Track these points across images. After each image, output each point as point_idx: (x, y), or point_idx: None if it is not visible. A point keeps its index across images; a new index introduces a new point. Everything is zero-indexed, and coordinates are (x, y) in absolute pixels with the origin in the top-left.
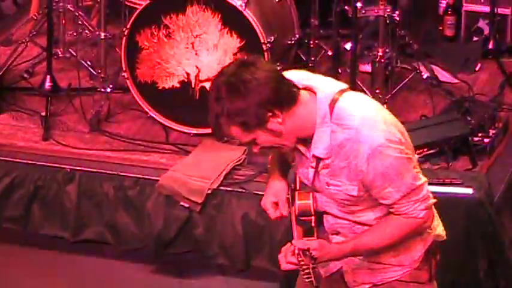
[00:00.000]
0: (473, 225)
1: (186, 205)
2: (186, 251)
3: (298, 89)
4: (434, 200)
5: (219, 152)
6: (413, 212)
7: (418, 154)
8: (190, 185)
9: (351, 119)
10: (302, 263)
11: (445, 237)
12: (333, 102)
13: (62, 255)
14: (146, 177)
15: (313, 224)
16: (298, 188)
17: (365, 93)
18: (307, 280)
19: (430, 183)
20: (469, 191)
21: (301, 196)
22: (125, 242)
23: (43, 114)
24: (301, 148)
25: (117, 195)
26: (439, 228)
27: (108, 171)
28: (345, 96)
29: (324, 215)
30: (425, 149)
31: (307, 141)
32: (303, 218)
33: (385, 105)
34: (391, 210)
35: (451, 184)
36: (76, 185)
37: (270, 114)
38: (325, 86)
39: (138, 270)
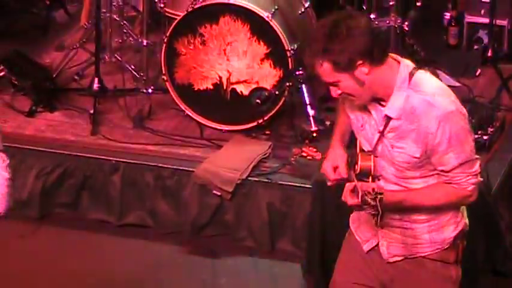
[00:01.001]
0: (473, 213)
1: (218, 193)
2: (218, 235)
3: (388, 54)
4: (482, 179)
5: (248, 147)
6: (464, 184)
7: None
8: (221, 175)
9: (427, 86)
10: (366, 199)
11: (466, 228)
12: (412, 72)
13: (107, 238)
14: (183, 168)
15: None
16: (358, 152)
17: None
18: (372, 213)
19: None
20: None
21: (363, 158)
22: (163, 226)
23: (91, 112)
24: (373, 110)
25: (157, 184)
26: (466, 219)
27: (149, 163)
28: (422, 71)
29: (377, 180)
30: None
31: (380, 103)
32: (362, 178)
33: None
34: (445, 179)
35: None
36: (120, 175)
37: (360, 62)
38: (407, 61)
39: (175, 251)
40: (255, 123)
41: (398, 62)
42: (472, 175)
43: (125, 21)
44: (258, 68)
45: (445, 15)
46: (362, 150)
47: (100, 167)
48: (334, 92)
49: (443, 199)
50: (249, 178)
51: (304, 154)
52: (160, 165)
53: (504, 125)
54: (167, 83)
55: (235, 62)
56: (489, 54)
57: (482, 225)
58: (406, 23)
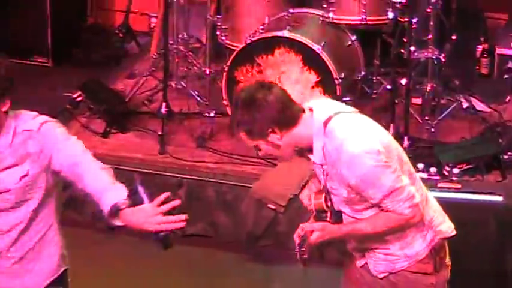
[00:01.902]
0: (502, 227)
1: (273, 207)
2: (272, 245)
3: (303, 111)
4: (419, 199)
5: (300, 165)
6: (399, 210)
7: (458, 169)
8: (276, 191)
9: (339, 132)
10: (298, 242)
11: (451, 234)
12: (327, 121)
13: (173, 247)
14: (241, 184)
15: (328, 219)
16: (318, 190)
17: (417, 120)
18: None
19: (467, 192)
20: (500, 198)
21: (316, 197)
22: (223, 236)
23: (160, 133)
24: (310, 157)
25: (217, 198)
26: (442, 226)
27: (210, 179)
28: (338, 116)
29: (342, 214)
30: (464, 165)
31: (311, 150)
32: (321, 214)
33: (432, 130)
34: (380, 207)
35: (484, 193)
36: (185, 190)
37: (270, 130)
38: (327, 108)
39: (233, 259)
40: None
41: (315, 114)
42: (403, 201)
43: (190, 52)
44: (310, 94)
45: (478, 47)
46: (319, 190)
47: (166, 183)
48: (260, 153)
49: (386, 226)
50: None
51: None
52: (220, 181)
53: None
54: (227, 108)
55: (289, 89)
56: None
57: (510, 238)
58: (443, 55)
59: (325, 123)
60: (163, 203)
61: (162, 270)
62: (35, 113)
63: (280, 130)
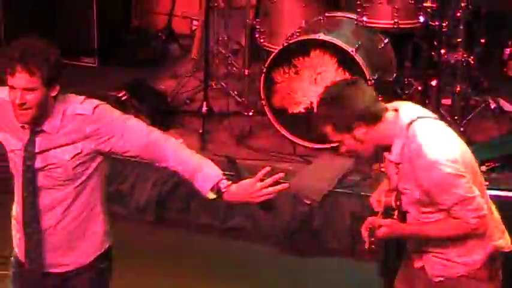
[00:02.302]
0: None
1: (308, 202)
2: (307, 238)
3: (387, 110)
4: (486, 212)
5: (334, 162)
6: (466, 219)
7: (486, 167)
8: (311, 187)
9: (421, 137)
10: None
11: (508, 249)
12: (411, 123)
13: (213, 239)
14: (278, 180)
15: (395, 217)
16: (389, 189)
17: (446, 119)
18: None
19: (494, 189)
20: None
21: (387, 195)
22: (260, 230)
23: (200, 131)
24: (387, 155)
25: None
26: (501, 241)
27: (248, 175)
28: (421, 121)
29: (407, 214)
30: (491, 163)
31: (389, 149)
32: (389, 212)
33: (461, 129)
34: (449, 213)
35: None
36: None
37: (356, 124)
38: (411, 111)
39: (270, 251)
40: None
41: (400, 115)
42: (472, 211)
43: (229, 54)
44: None
45: (506, 50)
46: (390, 189)
47: None
48: (341, 149)
49: (451, 232)
50: (335, 189)
51: (382, 169)
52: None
53: None
54: (265, 107)
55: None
56: None
57: None
58: (472, 57)
59: (409, 125)
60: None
61: (201, 260)
62: (82, 97)
63: (366, 125)
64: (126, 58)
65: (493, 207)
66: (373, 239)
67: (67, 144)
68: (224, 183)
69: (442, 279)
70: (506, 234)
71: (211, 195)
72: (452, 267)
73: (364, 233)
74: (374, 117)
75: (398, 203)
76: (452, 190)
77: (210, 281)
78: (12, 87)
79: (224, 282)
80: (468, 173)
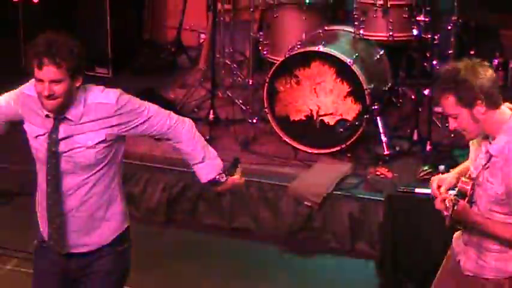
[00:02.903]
0: None
1: (309, 204)
2: (308, 237)
3: (503, 102)
4: None
5: (333, 167)
6: None
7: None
8: (312, 189)
9: None
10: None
11: None
12: None
13: (219, 239)
14: (280, 183)
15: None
16: (469, 176)
17: (438, 127)
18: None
19: None
20: None
21: (464, 182)
22: (264, 230)
23: (207, 137)
24: (483, 146)
25: (259, 196)
26: None
27: (253, 179)
28: None
29: (473, 205)
30: None
31: (489, 140)
32: (461, 197)
33: (452, 135)
34: None
35: None
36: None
37: (479, 101)
38: None
39: (273, 250)
40: (338, 148)
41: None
42: None
43: (234, 65)
44: (342, 103)
45: (494, 61)
46: (469, 177)
47: None
48: (452, 124)
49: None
50: (334, 192)
51: (378, 173)
52: (262, 180)
53: None
54: (268, 115)
55: (323, 98)
56: None
57: None
58: None
59: None
60: None
61: (208, 259)
62: (101, 87)
63: (486, 106)
64: (138, 68)
65: None
66: (455, 210)
67: (90, 131)
68: (223, 176)
69: (470, 274)
70: None
71: (208, 183)
72: (484, 268)
73: (447, 203)
74: (495, 102)
75: (471, 192)
76: None
77: (216, 277)
78: (39, 80)
79: (230, 279)
80: None
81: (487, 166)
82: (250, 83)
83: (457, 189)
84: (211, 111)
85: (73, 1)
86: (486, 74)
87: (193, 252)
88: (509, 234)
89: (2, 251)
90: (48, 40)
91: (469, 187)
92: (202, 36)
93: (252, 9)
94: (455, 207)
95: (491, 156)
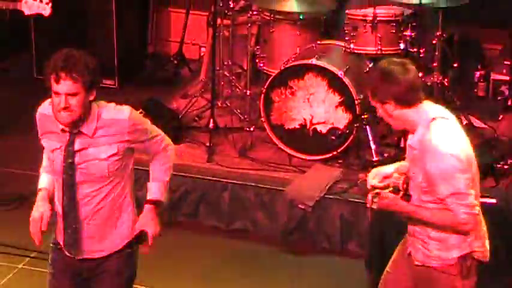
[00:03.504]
0: (496, 225)
1: (302, 207)
2: (301, 238)
3: (421, 101)
4: (477, 211)
5: (325, 172)
6: (458, 212)
7: None
8: (305, 193)
9: (438, 131)
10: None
11: (484, 260)
12: (435, 118)
13: (219, 239)
14: (276, 188)
15: (400, 198)
16: (403, 173)
17: None
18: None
19: None
20: (494, 201)
21: (396, 177)
22: (260, 231)
23: (207, 144)
24: (409, 139)
25: (256, 199)
26: (481, 250)
27: (250, 183)
28: (444, 120)
29: (410, 198)
30: None
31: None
32: (395, 193)
33: None
34: (444, 204)
35: (481, 196)
36: (229, 193)
37: (388, 101)
38: (440, 110)
39: (269, 250)
40: (330, 155)
41: (428, 109)
42: (464, 206)
43: (233, 77)
44: (334, 113)
45: (476, 73)
46: (402, 172)
47: (213, 186)
48: (378, 113)
49: (441, 221)
50: (326, 196)
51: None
52: (259, 185)
53: None
54: (264, 123)
55: (316, 108)
56: (509, 103)
57: (503, 235)
58: (446, 80)
59: (433, 119)
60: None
61: (209, 259)
62: (113, 104)
63: (396, 105)
64: (142, 80)
65: (482, 220)
66: (375, 202)
67: (103, 145)
68: (160, 208)
69: (419, 264)
70: (486, 247)
71: (151, 201)
72: (430, 257)
73: (369, 196)
74: (405, 102)
75: (405, 186)
76: (451, 181)
77: (216, 276)
78: (56, 93)
79: (228, 278)
80: (470, 173)
81: (411, 159)
82: (248, 94)
83: (391, 184)
84: (211, 120)
85: (82, 16)
86: (400, 79)
87: (194, 252)
88: (435, 219)
89: (15, 251)
90: (66, 55)
91: (400, 182)
92: (203, 49)
93: (249, 25)
94: (375, 200)
95: (412, 149)
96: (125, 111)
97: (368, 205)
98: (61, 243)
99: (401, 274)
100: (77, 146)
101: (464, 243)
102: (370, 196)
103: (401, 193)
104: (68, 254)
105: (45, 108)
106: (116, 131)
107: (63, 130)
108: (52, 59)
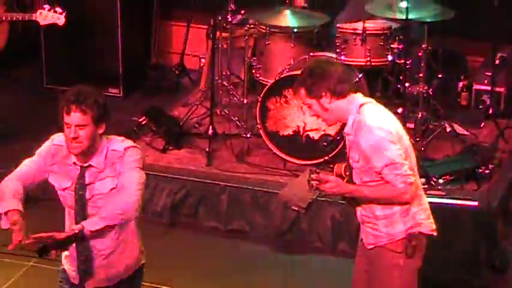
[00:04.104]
0: (478, 226)
1: (296, 208)
2: (295, 238)
3: (354, 92)
4: (413, 179)
5: None
6: (395, 182)
7: (443, 179)
8: (298, 195)
9: (367, 113)
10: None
11: (429, 232)
12: (363, 103)
13: (217, 239)
14: (271, 190)
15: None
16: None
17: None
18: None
19: (449, 198)
20: (475, 203)
21: (338, 165)
22: (256, 231)
23: (207, 150)
24: (344, 130)
25: (252, 201)
26: (424, 222)
27: (247, 187)
28: (372, 104)
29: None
30: (447, 176)
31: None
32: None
33: (422, 148)
34: (381, 177)
35: (464, 199)
36: (227, 195)
37: (324, 94)
38: (367, 99)
39: (263, 248)
40: (322, 160)
41: (357, 97)
42: (400, 175)
43: (231, 86)
44: None
45: (459, 84)
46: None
47: (212, 189)
48: (310, 113)
49: (381, 193)
50: (318, 198)
51: None
52: (255, 188)
53: (500, 162)
54: (260, 130)
55: (308, 116)
56: (490, 112)
57: (484, 234)
58: (431, 89)
59: (361, 105)
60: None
61: (209, 258)
62: (122, 138)
63: (331, 96)
64: (146, 89)
65: (424, 196)
66: (316, 190)
67: (107, 177)
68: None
69: (371, 246)
70: (431, 220)
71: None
72: (379, 237)
73: (312, 183)
74: (339, 93)
75: (347, 173)
76: (383, 152)
77: (214, 273)
78: (67, 124)
79: (226, 275)
80: (401, 146)
81: (349, 146)
82: (245, 102)
83: (334, 171)
84: (210, 127)
85: (90, 29)
86: (331, 71)
87: (194, 251)
88: (376, 193)
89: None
90: (78, 90)
91: (342, 170)
92: (203, 60)
93: (246, 37)
94: (313, 187)
95: (348, 135)
96: (124, 144)
97: (309, 187)
98: (67, 271)
99: (360, 263)
100: (87, 180)
101: (408, 216)
102: (312, 182)
103: (345, 179)
104: (74, 283)
105: (60, 140)
106: (114, 161)
107: (75, 163)
108: (66, 94)
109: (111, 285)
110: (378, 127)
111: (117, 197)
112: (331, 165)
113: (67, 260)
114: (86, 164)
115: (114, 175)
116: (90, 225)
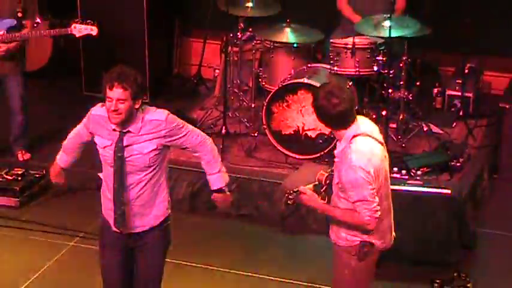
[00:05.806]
0: (450, 212)
1: (290, 203)
2: (296, 221)
3: (355, 118)
4: (378, 215)
5: (315, 169)
6: (363, 214)
7: (421, 171)
8: (298, 185)
9: (357, 146)
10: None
11: (382, 249)
12: (356, 135)
13: (229, 222)
14: (275, 181)
15: (322, 191)
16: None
17: (392, 139)
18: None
19: (426, 187)
20: (448, 191)
21: (321, 174)
22: (263, 216)
23: (221, 147)
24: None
25: (259, 190)
26: (379, 239)
27: (254, 178)
28: (362, 136)
29: (332, 193)
30: (424, 168)
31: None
32: (317, 189)
33: (403, 145)
34: (353, 205)
35: (438, 187)
36: (238, 185)
37: (331, 129)
38: (363, 126)
39: (270, 231)
40: (318, 154)
41: (354, 128)
42: (368, 210)
43: (241, 92)
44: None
45: (434, 90)
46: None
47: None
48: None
49: (348, 219)
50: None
51: None
52: (261, 179)
53: (470, 156)
54: (266, 130)
55: (307, 118)
56: (461, 114)
57: (456, 218)
58: (411, 95)
59: (354, 136)
60: None
61: (223, 239)
62: (154, 107)
63: (335, 129)
64: (169, 95)
65: (391, 214)
66: (291, 197)
67: (145, 141)
68: (225, 190)
69: (333, 242)
70: (388, 238)
71: (215, 190)
72: (340, 238)
73: (289, 192)
74: (340, 125)
75: (328, 182)
76: (359, 189)
77: (227, 252)
78: (109, 98)
79: (237, 253)
80: (376, 184)
81: (334, 164)
82: (253, 106)
83: (316, 180)
84: (224, 127)
85: (121, 45)
86: (340, 104)
87: (210, 233)
88: (345, 218)
89: (67, 232)
90: (120, 69)
91: (323, 178)
92: (217, 71)
93: (254, 51)
94: (290, 197)
95: (335, 157)
96: (161, 114)
97: (284, 202)
98: (109, 221)
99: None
100: (125, 143)
101: (365, 235)
102: (286, 196)
103: (324, 187)
104: (116, 230)
105: (97, 110)
106: (155, 129)
107: (114, 129)
108: (109, 72)
109: (145, 231)
110: (359, 167)
111: (203, 147)
112: (326, 160)
113: (106, 211)
114: (124, 130)
115: (154, 139)
116: (219, 184)
